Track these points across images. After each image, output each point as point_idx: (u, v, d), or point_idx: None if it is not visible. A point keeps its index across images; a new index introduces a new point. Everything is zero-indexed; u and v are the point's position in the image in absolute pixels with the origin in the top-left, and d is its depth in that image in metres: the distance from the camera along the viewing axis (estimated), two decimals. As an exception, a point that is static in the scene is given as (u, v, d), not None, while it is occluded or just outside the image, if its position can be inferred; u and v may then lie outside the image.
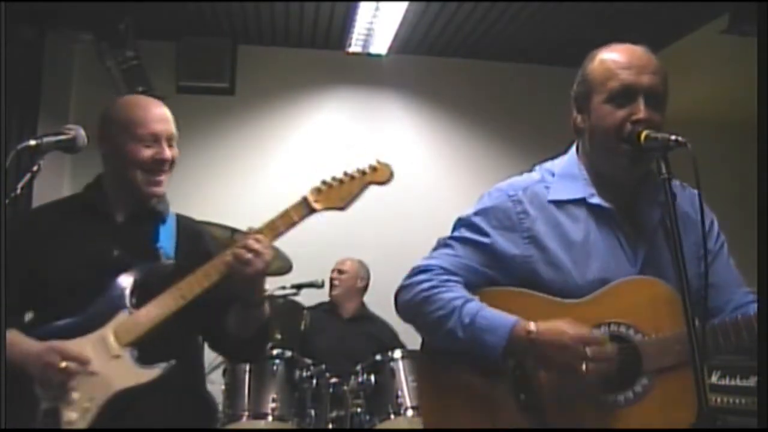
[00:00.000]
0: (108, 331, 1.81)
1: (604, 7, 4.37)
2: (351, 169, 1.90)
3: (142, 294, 1.85)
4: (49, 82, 4.54)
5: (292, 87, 5.33)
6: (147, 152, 1.91)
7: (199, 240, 2.06)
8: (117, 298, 1.84)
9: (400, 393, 3.42)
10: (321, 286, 4.11)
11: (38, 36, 4.37)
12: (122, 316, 1.83)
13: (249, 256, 1.78)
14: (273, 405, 3.40)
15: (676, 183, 1.77)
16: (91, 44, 4.46)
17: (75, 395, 1.75)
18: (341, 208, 1.89)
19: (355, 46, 5.11)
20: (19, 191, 1.56)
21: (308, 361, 3.57)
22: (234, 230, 3.76)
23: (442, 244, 1.81)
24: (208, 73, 5.06)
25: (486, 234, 1.75)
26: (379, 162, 1.93)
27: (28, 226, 1.98)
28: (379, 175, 1.92)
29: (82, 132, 1.75)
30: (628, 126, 1.65)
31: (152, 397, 1.81)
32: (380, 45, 5.07)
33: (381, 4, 4.35)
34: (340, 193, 1.89)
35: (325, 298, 4.47)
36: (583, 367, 1.56)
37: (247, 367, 3.46)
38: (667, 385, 1.59)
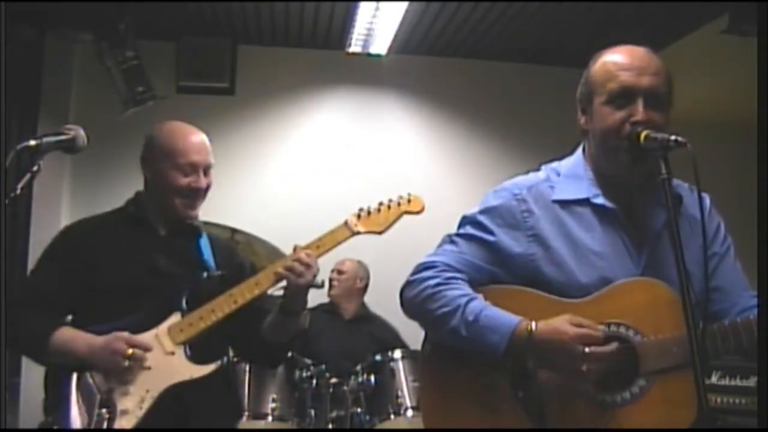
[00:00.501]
0: (163, 330, 2.01)
1: (604, 7, 4.37)
2: (387, 200, 2.15)
3: (193, 300, 2.05)
4: (49, 82, 4.55)
5: (292, 87, 5.33)
6: (184, 180, 2.12)
7: (232, 253, 2.32)
8: (171, 302, 2.04)
9: (400, 393, 3.42)
10: (321, 286, 4.09)
11: (38, 36, 4.38)
12: (176, 318, 2.02)
13: (302, 268, 2.01)
14: (273, 405, 3.41)
15: (684, 186, 1.78)
16: (91, 44, 4.46)
17: (131, 387, 1.94)
18: (380, 233, 2.13)
19: (355, 46, 5.11)
20: (18, 191, 1.55)
21: (308, 361, 3.57)
22: (234, 230, 3.77)
23: (447, 240, 1.83)
24: (208, 73, 5.06)
25: (491, 232, 1.76)
26: (411, 195, 2.16)
27: (79, 233, 2.19)
28: (413, 206, 2.14)
29: (82, 132, 1.75)
30: (627, 127, 1.66)
31: (197, 393, 2.00)
32: (380, 45, 5.06)
33: (381, 4, 4.35)
34: (379, 219, 2.13)
35: (326, 299, 4.47)
36: (583, 367, 1.57)
37: (247, 367, 3.46)
38: (664, 387, 1.59)
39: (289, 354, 3.76)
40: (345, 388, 3.53)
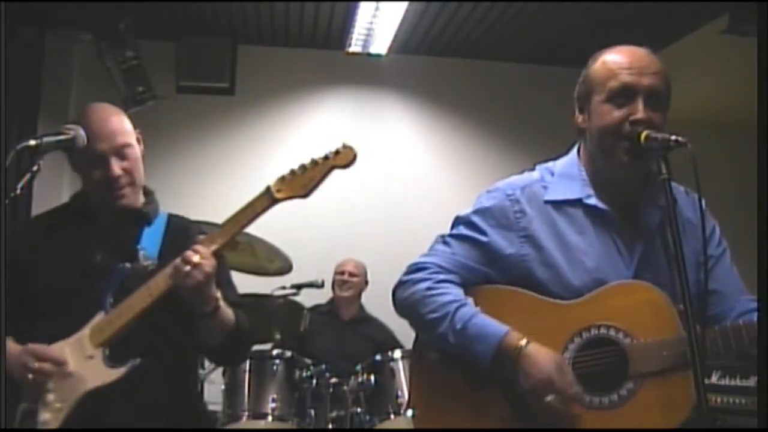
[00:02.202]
0: (85, 332, 1.84)
1: (603, 7, 4.37)
2: (316, 156, 1.86)
3: (120, 296, 1.86)
4: (49, 82, 4.55)
5: (292, 87, 5.33)
6: (96, 174, 1.92)
7: (186, 239, 1.97)
8: (97, 301, 1.86)
9: (400, 393, 3.41)
10: (321, 286, 4.11)
11: (38, 36, 4.38)
12: (99, 318, 1.85)
13: (187, 268, 1.76)
14: (273, 405, 3.40)
15: (680, 189, 1.78)
16: (91, 44, 4.46)
17: (51, 396, 1.79)
18: (303, 196, 1.86)
19: (355, 46, 5.11)
20: (18, 191, 1.55)
21: (308, 361, 3.57)
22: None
23: (439, 241, 1.82)
24: (208, 73, 5.06)
25: (484, 233, 1.75)
26: (344, 145, 1.87)
27: (21, 236, 2.04)
28: (341, 158, 1.86)
29: (82, 132, 1.75)
30: (627, 126, 1.65)
31: (125, 397, 1.81)
32: (380, 45, 5.07)
33: (381, 4, 4.35)
34: (302, 180, 1.86)
35: (325, 299, 4.47)
36: (548, 398, 1.58)
37: (247, 367, 3.46)
38: (652, 390, 1.58)
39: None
40: (345, 388, 3.52)
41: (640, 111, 1.64)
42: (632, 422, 1.58)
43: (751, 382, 2.96)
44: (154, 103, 4.57)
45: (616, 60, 1.70)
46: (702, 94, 4.64)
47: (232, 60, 5.13)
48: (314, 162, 1.86)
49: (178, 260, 1.78)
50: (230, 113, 5.17)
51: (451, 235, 1.81)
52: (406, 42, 5.08)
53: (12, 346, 1.83)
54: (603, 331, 1.64)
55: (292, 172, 1.86)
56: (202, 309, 1.83)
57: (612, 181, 1.75)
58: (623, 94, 1.66)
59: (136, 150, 2.00)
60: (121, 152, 1.94)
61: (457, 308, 1.69)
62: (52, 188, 4.53)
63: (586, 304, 1.66)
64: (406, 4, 4.36)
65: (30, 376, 1.77)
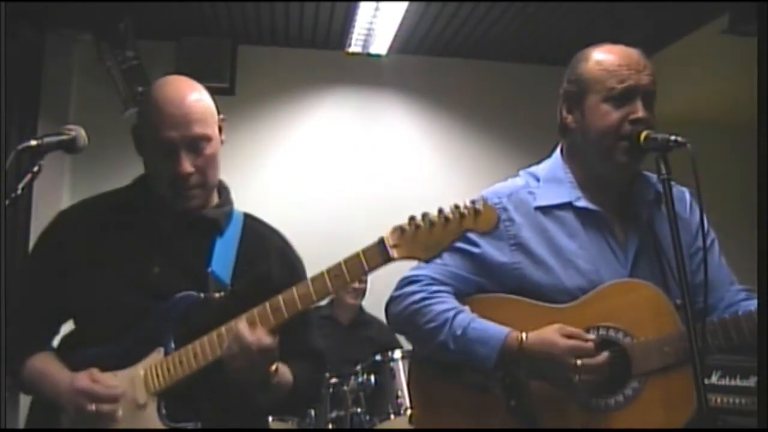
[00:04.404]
0: (139, 372, 1.56)
1: (604, 7, 4.36)
2: (441, 211, 1.47)
3: (183, 332, 1.55)
4: (49, 82, 4.54)
5: (292, 87, 5.33)
6: (162, 166, 1.61)
7: (262, 258, 1.65)
8: (154, 332, 1.57)
9: (400, 393, 3.42)
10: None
11: (38, 36, 4.38)
12: (156, 357, 1.56)
13: (235, 349, 1.47)
14: (273, 405, 3.40)
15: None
16: (91, 44, 4.46)
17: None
18: (424, 261, 1.51)
19: (355, 46, 5.11)
20: (19, 191, 1.55)
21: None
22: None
23: None
24: (208, 73, 5.05)
25: (476, 244, 1.74)
26: (484, 205, 1.46)
27: (62, 228, 1.73)
28: (482, 222, 1.45)
29: (82, 132, 1.74)
30: (626, 126, 1.65)
31: None
32: (380, 45, 5.06)
33: (381, 4, 4.35)
34: (427, 240, 1.45)
35: (324, 300, 4.45)
36: (575, 378, 1.57)
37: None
38: (657, 387, 1.59)
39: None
40: (345, 388, 3.52)
41: (639, 111, 1.65)
42: (640, 421, 1.58)
43: (751, 382, 2.96)
44: (154, 103, 4.56)
45: (613, 60, 1.69)
46: (702, 94, 4.64)
47: (232, 60, 5.12)
48: (445, 219, 1.45)
49: (230, 339, 1.47)
50: (230, 113, 5.12)
51: None
52: (406, 42, 5.07)
53: (56, 371, 1.59)
54: (602, 332, 1.64)
55: (415, 225, 1.46)
56: (249, 381, 1.55)
57: (602, 180, 1.74)
58: (624, 94, 1.66)
59: (215, 144, 1.66)
60: (195, 145, 1.61)
61: (455, 315, 1.68)
62: (53, 188, 4.54)
63: (583, 307, 1.66)
64: (406, 4, 4.36)
65: (91, 405, 1.52)
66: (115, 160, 4.60)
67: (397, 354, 3.54)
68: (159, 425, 1.52)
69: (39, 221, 4.35)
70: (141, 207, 1.71)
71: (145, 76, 4.52)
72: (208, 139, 1.64)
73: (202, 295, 1.58)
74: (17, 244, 4.15)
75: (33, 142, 1.57)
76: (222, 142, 1.70)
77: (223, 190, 1.78)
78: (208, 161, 1.64)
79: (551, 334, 1.60)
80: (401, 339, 4.17)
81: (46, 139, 1.60)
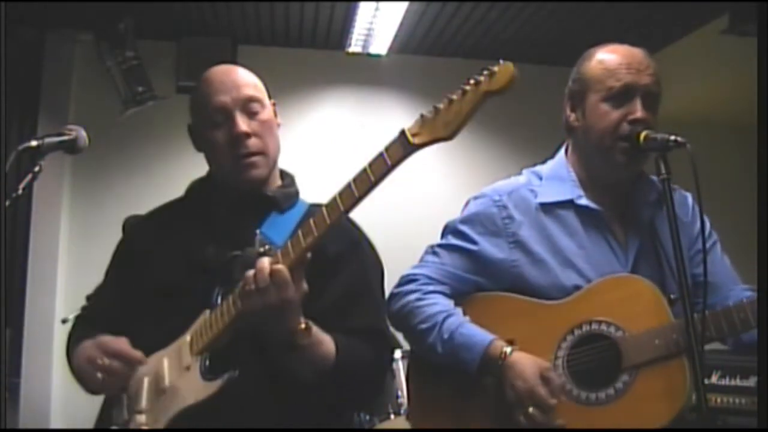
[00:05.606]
0: (186, 339, 1.53)
1: (604, 7, 4.36)
2: (458, 87, 1.40)
3: (230, 290, 1.48)
4: (49, 82, 4.54)
5: (292, 87, 5.33)
6: (218, 134, 1.60)
7: (328, 240, 1.49)
8: (203, 299, 1.54)
9: (400, 393, 3.42)
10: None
11: (38, 36, 4.38)
12: (202, 319, 1.52)
13: (252, 287, 1.38)
14: (273, 405, 3.40)
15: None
16: (91, 44, 4.46)
17: (142, 418, 1.48)
18: (447, 138, 1.40)
19: (355, 46, 5.11)
20: (20, 191, 1.55)
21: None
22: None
23: (429, 251, 1.83)
24: (208, 73, 5.06)
25: (473, 241, 1.75)
26: (499, 64, 1.39)
27: (131, 233, 1.79)
28: (498, 80, 1.38)
29: (83, 132, 1.75)
30: (625, 126, 1.65)
31: (221, 415, 1.48)
32: (380, 45, 5.06)
33: (381, 4, 4.35)
34: (446, 116, 1.39)
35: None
36: (520, 418, 1.58)
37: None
38: (648, 380, 1.59)
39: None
40: (345, 387, 3.52)
41: (638, 111, 1.65)
42: (630, 414, 1.58)
43: (751, 382, 2.96)
44: (154, 103, 4.56)
45: (614, 59, 1.69)
46: (702, 95, 4.64)
47: (232, 60, 5.13)
48: (462, 92, 1.39)
49: (248, 275, 1.39)
50: (230, 113, 5.17)
51: (440, 245, 1.81)
52: (406, 42, 5.08)
53: (86, 344, 1.58)
54: (594, 326, 1.64)
55: (435, 109, 1.42)
56: (285, 339, 1.44)
57: (604, 180, 1.75)
58: (623, 94, 1.66)
59: (269, 111, 1.66)
60: (248, 107, 1.61)
61: (445, 318, 1.69)
62: (53, 189, 4.54)
63: (576, 302, 1.67)
64: (406, 4, 4.36)
65: (99, 375, 1.50)
66: (115, 160, 4.63)
67: (397, 354, 3.53)
68: (200, 384, 1.47)
69: (39, 221, 4.36)
70: (199, 192, 1.73)
71: (145, 76, 4.52)
72: (261, 103, 1.64)
73: (241, 253, 1.54)
74: (17, 244, 4.15)
75: (33, 143, 1.57)
76: (278, 125, 1.70)
77: (286, 175, 1.79)
78: (265, 127, 1.63)
79: (531, 366, 1.60)
80: (401, 339, 4.19)
81: (47, 140, 1.61)
